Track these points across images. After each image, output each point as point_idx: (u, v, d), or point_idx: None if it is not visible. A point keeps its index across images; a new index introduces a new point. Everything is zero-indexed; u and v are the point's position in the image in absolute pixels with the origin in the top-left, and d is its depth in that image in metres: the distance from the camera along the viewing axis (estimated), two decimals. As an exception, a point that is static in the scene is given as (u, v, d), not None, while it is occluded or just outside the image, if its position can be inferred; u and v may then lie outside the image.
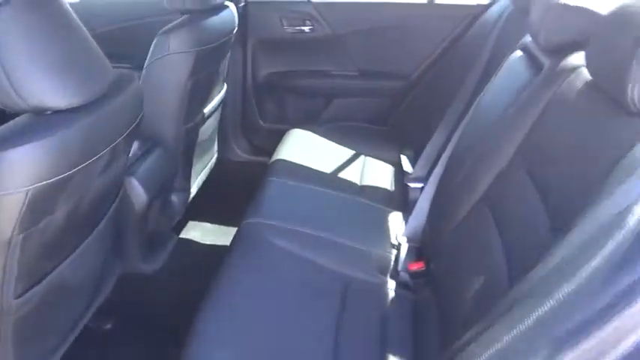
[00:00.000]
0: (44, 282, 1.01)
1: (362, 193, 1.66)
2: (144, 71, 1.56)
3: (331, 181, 1.70)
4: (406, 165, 1.82)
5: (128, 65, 2.20)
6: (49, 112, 0.91)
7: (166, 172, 1.60)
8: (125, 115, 1.09)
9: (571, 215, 0.70)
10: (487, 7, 1.90)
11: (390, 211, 1.58)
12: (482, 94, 1.40)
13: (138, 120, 1.15)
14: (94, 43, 1.02)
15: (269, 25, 2.11)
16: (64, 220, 0.98)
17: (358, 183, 1.72)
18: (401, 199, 1.67)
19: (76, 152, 0.92)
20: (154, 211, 1.55)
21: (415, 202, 1.57)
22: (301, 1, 2.07)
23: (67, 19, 0.95)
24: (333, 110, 2.21)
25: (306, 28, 2.09)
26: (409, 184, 1.65)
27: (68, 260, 1.08)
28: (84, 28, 1.00)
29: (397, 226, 1.50)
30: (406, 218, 1.53)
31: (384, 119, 2.16)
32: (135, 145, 1.53)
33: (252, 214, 1.45)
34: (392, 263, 1.36)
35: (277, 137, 1.99)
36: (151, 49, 1.54)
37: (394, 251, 1.40)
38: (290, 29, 2.10)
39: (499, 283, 0.94)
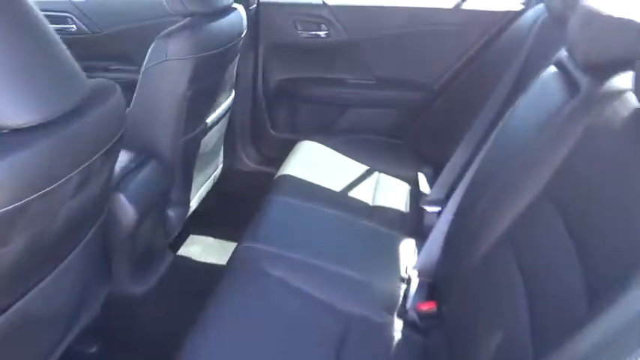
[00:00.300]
0: (3, 316, 0.90)
1: (372, 216, 1.52)
2: (140, 78, 1.45)
3: (340, 200, 1.56)
4: (423, 184, 1.67)
5: (135, 68, 2.12)
6: (5, 131, 0.80)
7: (161, 187, 1.49)
8: (101, 131, 0.97)
9: (611, 274, 0.57)
10: (519, 13, 1.74)
11: (402, 238, 1.43)
12: (509, 113, 1.24)
13: (118, 136, 1.03)
14: (66, 51, 0.90)
15: (282, 29, 1.98)
16: (24, 252, 0.87)
17: (370, 203, 1.58)
18: (415, 223, 1.52)
19: (34, 176, 0.81)
20: (146, 228, 1.44)
21: (430, 228, 1.43)
22: (317, 3, 1.94)
23: (31, 24, 0.84)
24: (348, 121, 2.07)
25: (322, 33, 1.96)
26: (425, 207, 1.50)
27: (36, 290, 0.97)
28: (54, 35, 0.88)
29: (408, 256, 1.36)
30: (419, 247, 1.38)
31: (402, 132, 2.01)
32: (126, 157, 1.43)
33: (249, 238, 1.33)
34: (400, 300, 1.22)
35: (288, 147, 1.87)
36: (148, 53, 1.43)
37: (403, 286, 1.26)
38: (304, 33, 1.97)
39: (520, 341, 0.79)
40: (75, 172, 0.90)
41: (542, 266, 0.85)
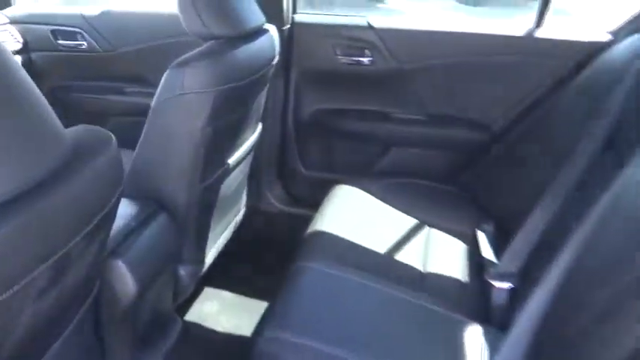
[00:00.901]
0: None
1: (424, 287, 1.24)
2: (150, 112, 1.20)
3: (383, 265, 1.29)
4: (484, 245, 1.38)
5: (152, 90, 1.88)
6: None
7: (170, 248, 1.23)
8: (85, 203, 0.72)
9: None
10: (606, 45, 1.44)
11: (465, 322, 1.15)
12: (615, 181, 0.95)
13: (110, 205, 0.78)
14: (38, 99, 0.65)
15: (318, 53, 1.72)
16: None
17: (420, 268, 1.30)
18: (479, 300, 1.23)
19: None
20: (150, 297, 1.19)
21: (501, 310, 1.15)
22: (361, 25, 1.67)
23: None
24: (391, 162, 1.79)
25: (365, 59, 1.69)
26: (492, 281, 1.22)
27: None
28: (20, 79, 0.64)
29: (475, 350, 1.07)
30: (488, 337, 1.10)
31: (456, 179, 1.72)
32: (130, 210, 1.18)
33: (273, 325, 1.06)
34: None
35: (320, 188, 1.61)
36: (161, 84, 1.18)
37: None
38: (344, 59, 1.70)
39: None
40: (40, 268, 0.65)
41: None
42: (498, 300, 1.19)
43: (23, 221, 0.60)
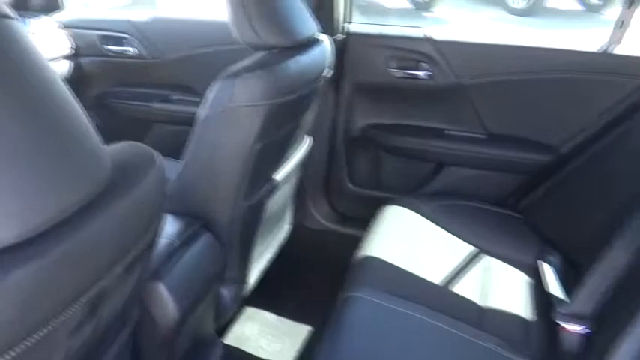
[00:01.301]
0: None
1: (483, 324, 1.13)
2: (197, 125, 1.14)
3: (438, 299, 1.19)
4: (550, 279, 1.26)
5: (198, 100, 1.84)
6: None
7: (214, 268, 1.16)
8: (124, 233, 0.65)
9: None
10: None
11: (532, 368, 1.04)
12: None
13: (153, 231, 0.71)
14: (78, 114, 0.59)
15: (372, 66, 1.63)
16: None
17: (479, 302, 1.20)
18: (546, 343, 1.12)
19: (5, 324, 0.49)
20: (192, 321, 1.12)
21: (572, 357, 1.03)
22: (418, 37, 1.58)
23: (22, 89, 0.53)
24: (446, 181, 1.69)
25: (421, 73, 1.59)
26: (561, 323, 1.10)
27: None
28: (67, 95, 0.57)
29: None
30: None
31: (516, 203, 1.60)
32: (173, 228, 1.12)
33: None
34: None
35: (368, 206, 1.52)
36: (210, 96, 1.12)
37: None
38: (399, 72, 1.61)
39: None
40: (75, 304, 0.58)
41: None
42: (569, 345, 1.07)
43: (57, 255, 0.53)
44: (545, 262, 1.32)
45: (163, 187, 0.74)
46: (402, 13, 6.84)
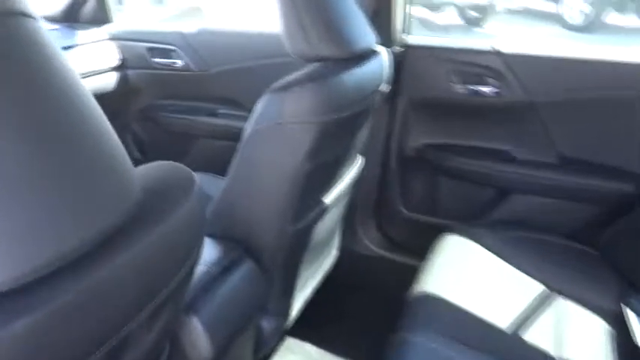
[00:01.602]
0: None
1: None
2: (243, 142, 1.04)
3: (505, 347, 1.04)
4: (636, 329, 1.09)
5: (248, 114, 1.76)
6: None
7: (255, 300, 1.06)
8: (154, 270, 0.55)
9: None
10: None
11: None
12: None
13: (185, 270, 0.61)
14: (107, 133, 0.49)
15: (432, 80, 1.50)
16: None
17: (552, 353, 1.04)
18: None
19: None
20: (228, 357, 1.01)
21: None
22: (484, 50, 1.44)
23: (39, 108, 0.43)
24: (511, 210, 1.53)
25: (487, 89, 1.45)
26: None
27: None
28: (98, 112, 0.48)
29: None
30: None
31: (593, 238, 1.43)
32: (212, 255, 1.02)
33: None
34: None
35: (423, 233, 1.39)
36: (257, 109, 1.02)
37: None
38: (462, 88, 1.48)
39: None
40: (96, 353, 0.49)
41: None
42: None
43: (76, 296, 0.44)
44: (629, 307, 1.15)
45: (203, 214, 0.63)
46: (452, 29, 6.69)
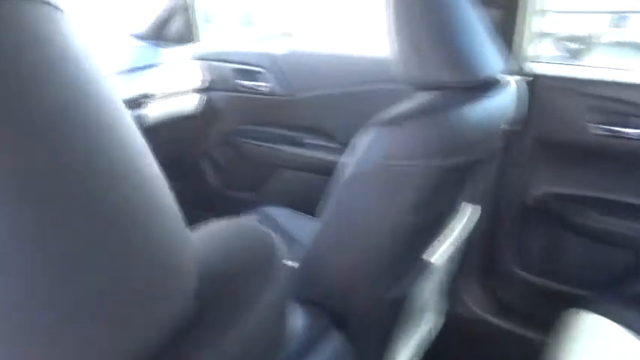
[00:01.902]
0: None
1: None
2: (340, 183, 0.85)
3: None
4: None
5: (334, 146, 1.57)
6: None
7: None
8: None
9: None
10: None
11: None
12: None
13: None
14: (162, 188, 0.31)
15: (564, 118, 1.25)
16: None
17: None
18: None
19: None
20: None
21: None
22: (632, 84, 1.18)
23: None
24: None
25: (634, 131, 1.18)
26: None
27: None
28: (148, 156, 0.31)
29: None
30: None
31: None
32: (296, 326, 0.82)
33: None
34: None
35: (541, 299, 1.15)
36: (362, 146, 0.82)
37: None
38: (599, 130, 1.21)
39: None
40: None
41: None
42: None
43: None
44: None
45: (284, 302, 0.44)
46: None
